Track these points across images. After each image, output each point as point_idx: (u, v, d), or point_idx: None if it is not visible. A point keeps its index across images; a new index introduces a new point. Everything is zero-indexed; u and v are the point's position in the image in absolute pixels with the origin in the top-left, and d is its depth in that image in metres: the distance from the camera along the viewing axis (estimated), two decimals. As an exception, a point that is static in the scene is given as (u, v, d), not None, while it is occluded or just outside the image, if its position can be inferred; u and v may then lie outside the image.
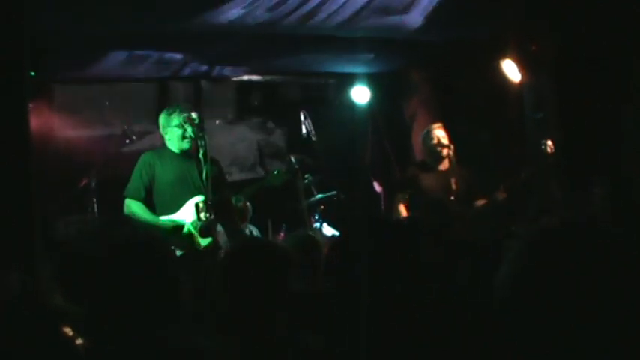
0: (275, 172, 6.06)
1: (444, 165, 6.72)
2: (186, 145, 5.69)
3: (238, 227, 6.18)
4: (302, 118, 7.10)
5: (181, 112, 5.72)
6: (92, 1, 5.46)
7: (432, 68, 8.08)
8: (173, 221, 5.58)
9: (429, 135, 6.80)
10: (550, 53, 6.68)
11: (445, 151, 6.67)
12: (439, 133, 6.75)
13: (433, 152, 6.74)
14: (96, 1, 5.48)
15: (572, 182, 6.31)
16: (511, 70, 6.91)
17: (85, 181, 6.59)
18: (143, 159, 5.76)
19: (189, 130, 5.63)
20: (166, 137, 5.79)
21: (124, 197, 5.68)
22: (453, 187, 6.49)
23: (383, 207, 7.90)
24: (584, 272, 1.37)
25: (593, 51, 6.31)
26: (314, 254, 4.17)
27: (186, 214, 5.63)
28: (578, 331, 1.34)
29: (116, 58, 6.74)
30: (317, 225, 6.92)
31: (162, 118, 5.80)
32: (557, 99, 6.65)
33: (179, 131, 5.67)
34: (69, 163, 6.78)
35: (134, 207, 5.63)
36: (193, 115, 5.70)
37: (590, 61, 6.34)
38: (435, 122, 7.01)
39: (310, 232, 6.37)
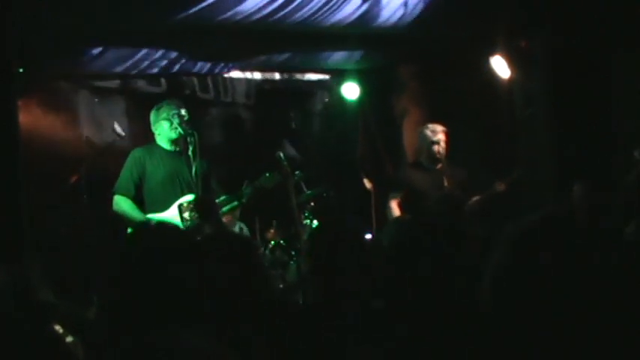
0: (267, 175, 6.05)
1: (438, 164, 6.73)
2: (173, 134, 5.71)
3: (223, 226, 6.17)
4: (291, 114, 7.10)
5: (170, 107, 5.77)
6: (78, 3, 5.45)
7: (422, 65, 8.08)
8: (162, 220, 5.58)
9: (431, 138, 6.72)
10: (540, 49, 6.70)
11: (442, 156, 6.65)
12: (442, 138, 6.68)
13: (431, 156, 6.69)
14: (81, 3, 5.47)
15: (560, 180, 6.33)
16: (500, 66, 6.91)
17: (74, 178, 6.56)
18: (133, 155, 5.76)
19: (176, 121, 5.67)
20: (156, 132, 5.82)
21: (113, 193, 5.68)
22: (445, 185, 6.49)
23: (373, 203, 7.91)
24: (566, 268, 1.35)
25: (583, 46, 6.33)
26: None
27: (175, 213, 5.63)
28: (564, 329, 1.33)
29: (106, 54, 6.71)
30: (307, 221, 6.91)
31: (152, 115, 5.84)
32: (547, 95, 6.67)
33: (167, 123, 5.71)
34: (58, 160, 6.75)
35: (123, 204, 5.63)
36: (182, 111, 5.73)
37: (580, 56, 6.36)
38: (433, 121, 6.89)
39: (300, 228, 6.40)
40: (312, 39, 6.97)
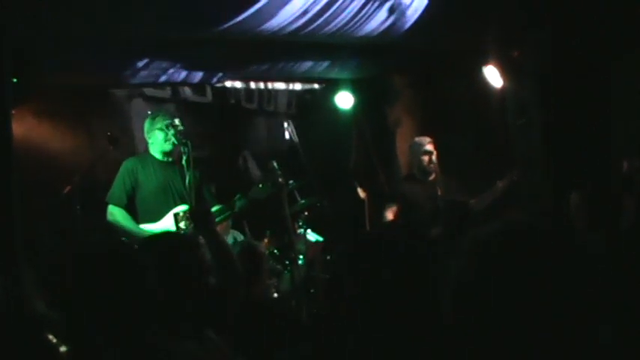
0: (260, 186, 6.03)
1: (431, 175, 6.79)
2: (168, 146, 5.74)
3: (218, 236, 6.14)
4: (285, 124, 7.10)
5: (165, 117, 5.81)
6: (79, 5, 5.43)
7: (415, 74, 8.09)
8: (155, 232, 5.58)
9: (419, 150, 6.81)
10: (532, 59, 6.72)
11: (433, 166, 6.73)
12: (430, 149, 6.76)
13: (422, 168, 6.78)
14: (83, 6, 5.45)
15: (554, 187, 6.34)
16: (493, 76, 6.93)
17: (68, 188, 6.55)
18: (125, 165, 5.77)
19: (171, 132, 5.70)
20: (149, 141, 5.85)
21: (107, 203, 5.67)
22: (439, 195, 6.52)
23: (367, 213, 7.91)
24: (526, 276, 1.33)
25: (575, 55, 6.35)
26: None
27: (169, 223, 5.63)
28: (527, 343, 1.32)
29: (101, 64, 6.70)
30: (301, 231, 6.91)
31: (146, 123, 5.89)
32: (539, 105, 6.69)
33: (161, 133, 5.74)
34: (52, 170, 6.73)
35: (117, 214, 5.63)
36: (176, 121, 5.77)
37: (572, 65, 6.38)
38: (423, 133, 7.02)
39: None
40: (305, 49, 6.99)
